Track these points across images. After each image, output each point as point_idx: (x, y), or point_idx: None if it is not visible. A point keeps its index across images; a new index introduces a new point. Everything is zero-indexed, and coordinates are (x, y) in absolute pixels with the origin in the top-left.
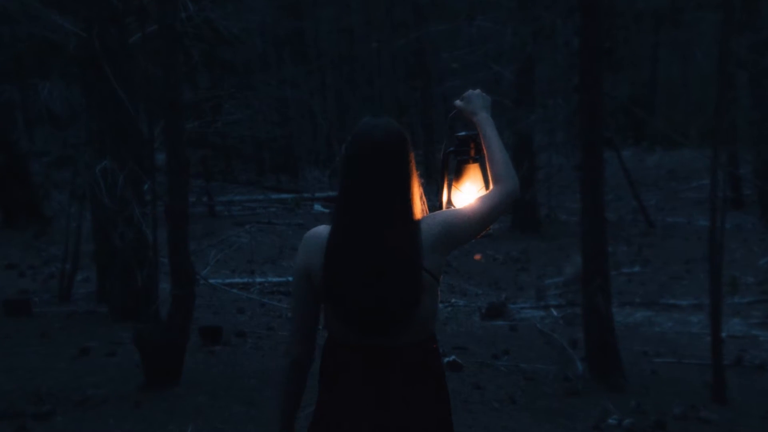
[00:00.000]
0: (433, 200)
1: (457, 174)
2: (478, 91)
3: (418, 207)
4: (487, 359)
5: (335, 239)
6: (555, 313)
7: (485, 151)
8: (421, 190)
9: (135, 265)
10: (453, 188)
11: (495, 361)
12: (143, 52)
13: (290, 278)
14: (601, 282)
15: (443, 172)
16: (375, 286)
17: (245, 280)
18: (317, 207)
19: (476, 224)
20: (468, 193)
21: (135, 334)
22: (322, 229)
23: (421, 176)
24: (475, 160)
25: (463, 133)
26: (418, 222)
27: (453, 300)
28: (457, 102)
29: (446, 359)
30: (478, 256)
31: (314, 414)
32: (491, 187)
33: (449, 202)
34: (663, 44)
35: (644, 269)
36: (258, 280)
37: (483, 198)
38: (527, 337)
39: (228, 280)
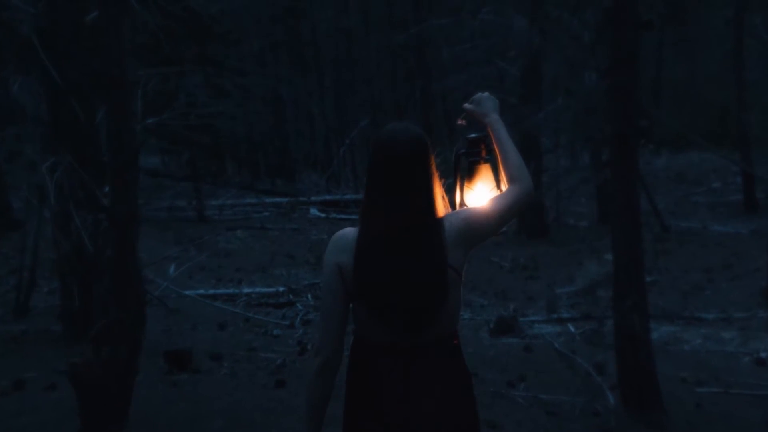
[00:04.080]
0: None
1: (469, 174)
2: (487, 93)
3: (441, 206)
4: (502, 388)
5: (363, 240)
6: (572, 328)
7: (498, 153)
8: (443, 190)
9: (73, 280)
10: (465, 188)
11: (510, 390)
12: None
13: (281, 288)
14: (638, 299)
15: (456, 173)
16: (404, 285)
17: (231, 291)
18: (314, 211)
19: (495, 222)
20: (480, 192)
21: (69, 367)
22: (349, 231)
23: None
24: (486, 161)
25: (473, 135)
26: (441, 220)
27: None
28: (467, 105)
29: None
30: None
31: (344, 412)
32: (504, 187)
33: (462, 202)
34: (667, 44)
35: (662, 278)
36: (245, 290)
37: (499, 197)
38: (544, 359)
39: (212, 291)
